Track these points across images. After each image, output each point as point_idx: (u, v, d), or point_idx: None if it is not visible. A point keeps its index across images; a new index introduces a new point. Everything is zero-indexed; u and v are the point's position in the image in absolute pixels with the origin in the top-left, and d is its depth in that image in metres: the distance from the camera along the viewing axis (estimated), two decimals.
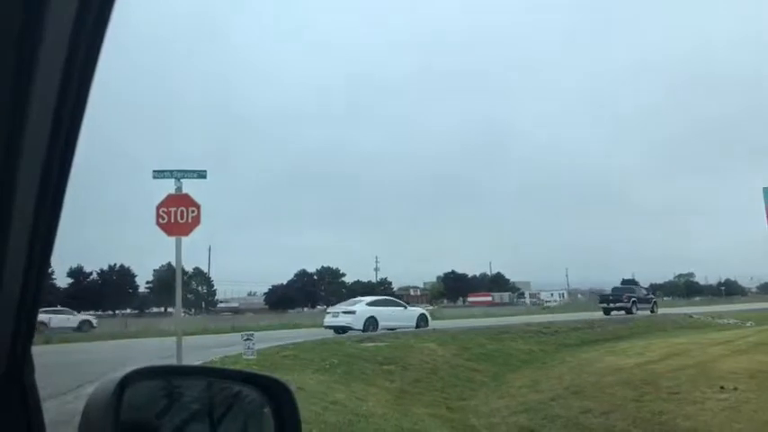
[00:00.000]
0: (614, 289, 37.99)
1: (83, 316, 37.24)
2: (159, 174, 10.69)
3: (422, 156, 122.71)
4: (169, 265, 66.18)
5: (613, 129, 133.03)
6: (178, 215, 10.48)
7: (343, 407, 8.80)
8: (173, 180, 10.66)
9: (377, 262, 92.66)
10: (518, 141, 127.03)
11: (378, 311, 23.91)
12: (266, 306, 75.78)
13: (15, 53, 0.62)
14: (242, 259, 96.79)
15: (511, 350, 20.91)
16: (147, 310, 61.07)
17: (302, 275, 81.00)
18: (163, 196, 10.58)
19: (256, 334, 24.97)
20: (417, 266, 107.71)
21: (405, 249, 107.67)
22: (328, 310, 26.20)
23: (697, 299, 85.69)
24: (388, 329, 22.04)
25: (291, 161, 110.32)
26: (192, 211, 10.55)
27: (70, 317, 34.34)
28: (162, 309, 63.94)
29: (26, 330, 0.92)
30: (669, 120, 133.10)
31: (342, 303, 26.20)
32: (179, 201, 10.56)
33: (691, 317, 34.19)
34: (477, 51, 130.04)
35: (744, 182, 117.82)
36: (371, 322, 22.88)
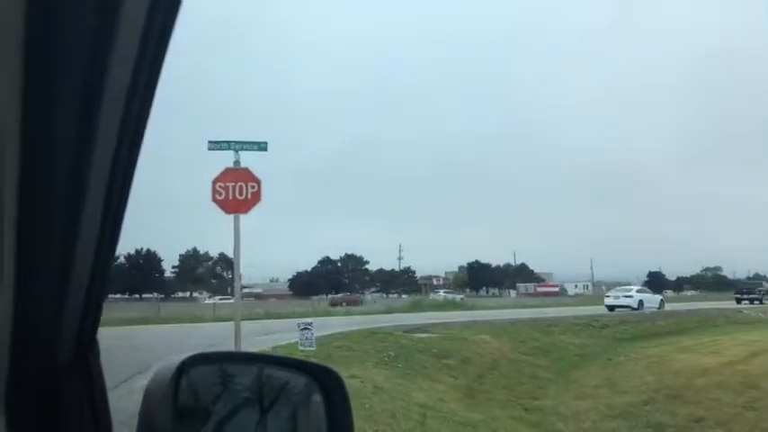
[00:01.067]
0: (747, 283, 50.07)
1: None
2: (215, 145, 9.63)
3: (447, 145, 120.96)
4: (194, 250, 66.02)
5: (640, 120, 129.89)
6: (236, 191, 9.44)
7: (437, 411, 7.75)
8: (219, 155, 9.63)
9: (400, 250, 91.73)
10: (542, 132, 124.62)
11: (642, 296, 33.72)
12: (290, 292, 75.25)
13: (90, 42, 0.62)
14: (264, 245, 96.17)
15: (564, 344, 19.77)
16: (172, 295, 60.70)
17: (326, 262, 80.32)
18: (218, 171, 9.55)
19: (291, 322, 24.16)
20: (440, 256, 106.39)
21: (428, 238, 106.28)
22: (608, 294, 36.63)
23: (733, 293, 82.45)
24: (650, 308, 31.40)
25: (317, 151, 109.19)
26: (252, 187, 9.50)
27: None
28: (187, 293, 63.71)
29: (93, 318, 0.92)
30: (697, 111, 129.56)
31: (616, 289, 37.70)
32: (237, 175, 9.51)
33: (741, 312, 32.64)
34: (502, 43, 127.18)
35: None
36: (641, 303, 32.00)
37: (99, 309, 0.93)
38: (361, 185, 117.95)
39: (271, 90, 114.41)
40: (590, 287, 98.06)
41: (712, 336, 21.28)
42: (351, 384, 9.03)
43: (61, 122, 0.67)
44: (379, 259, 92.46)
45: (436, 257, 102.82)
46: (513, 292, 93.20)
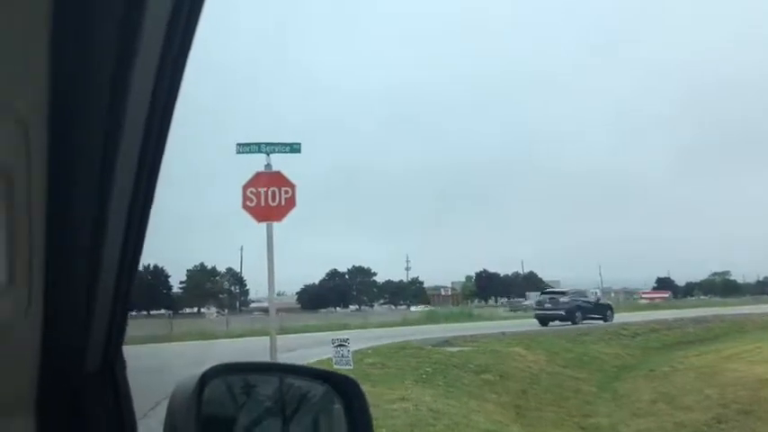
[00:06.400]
0: None
1: None
2: (244, 147, 8.86)
3: (452, 154, 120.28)
4: (202, 265, 65.09)
5: (646, 127, 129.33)
6: (269, 197, 8.66)
7: None
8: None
9: (407, 261, 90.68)
10: (548, 140, 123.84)
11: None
12: (298, 305, 74.30)
13: (115, 47, 0.62)
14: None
15: (598, 354, 18.91)
16: (180, 311, 59.70)
17: (334, 275, 79.32)
18: (249, 175, 8.77)
19: (309, 336, 23.25)
20: (446, 266, 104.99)
21: (434, 249, 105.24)
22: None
23: (747, 297, 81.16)
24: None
25: (323, 163, 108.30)
26: (286, 192, 8.71)
27: None
28: (195, 309, 62.62)
29: (119, 327, 0.93)
30: (704, 117, 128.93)
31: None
32: (270, 180, 8.73)
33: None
34: (510, 65, 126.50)
35: None
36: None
37: (125, 317, 0.93)
38: (367, 197, 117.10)
39: (283, 100, 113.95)
40: (599, 293, 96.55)
41: (750, 342, 20.32)
42: (405, 409, 8.22)
43: (87, 124, 0.67)
44: (387, 270, 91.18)
45: (444, 267, 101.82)
46: (521, 301, 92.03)
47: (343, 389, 1.24)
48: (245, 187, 8.69)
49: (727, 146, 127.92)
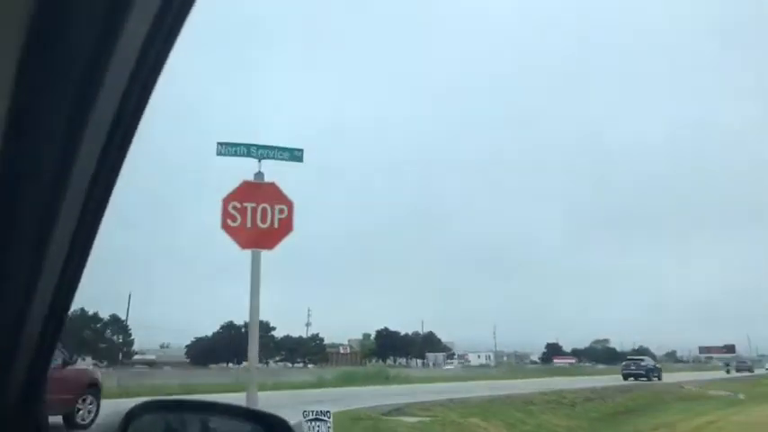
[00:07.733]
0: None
1: None
2: (228, 148, 6.59)
3: (353, 217, 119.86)
4: (82, 310, 57.74)
5: (534, 197, 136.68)
6: (258, 216, 6.39)
7: None
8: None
9: (309, 316, 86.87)
10: (446, 205, 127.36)
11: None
12: (187, 360, 67.98)
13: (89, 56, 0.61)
14: (154, 305, 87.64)
15: (551, 425, 17.62)
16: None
17: (229, 328, 73.63)
18: (234, 185, 6.47)
19: (221, 398, 19.99)
20: (344, 323, 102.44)
21: (334, 305, 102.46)
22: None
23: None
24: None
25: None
26: (281, 211, 6.49)
27: None
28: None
29: (43, 362, 0.90)
30: (584, 189, 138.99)
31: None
32: (260, 193, 6.49)
33: (682, 387, 32.25)
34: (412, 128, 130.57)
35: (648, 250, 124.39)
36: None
37: (50, 356, 0.89)
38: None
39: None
40: (492, 357, 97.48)
41: (674, 413, 20.13)
42: None
43: (48, 124, 0.65)
44: (286, 326, 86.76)
45: (341, 324, 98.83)
46: (419, 362, 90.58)
47: (274, 429, 1.21)
48: (225, 200, 6.37)
49: (606, 219, 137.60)
